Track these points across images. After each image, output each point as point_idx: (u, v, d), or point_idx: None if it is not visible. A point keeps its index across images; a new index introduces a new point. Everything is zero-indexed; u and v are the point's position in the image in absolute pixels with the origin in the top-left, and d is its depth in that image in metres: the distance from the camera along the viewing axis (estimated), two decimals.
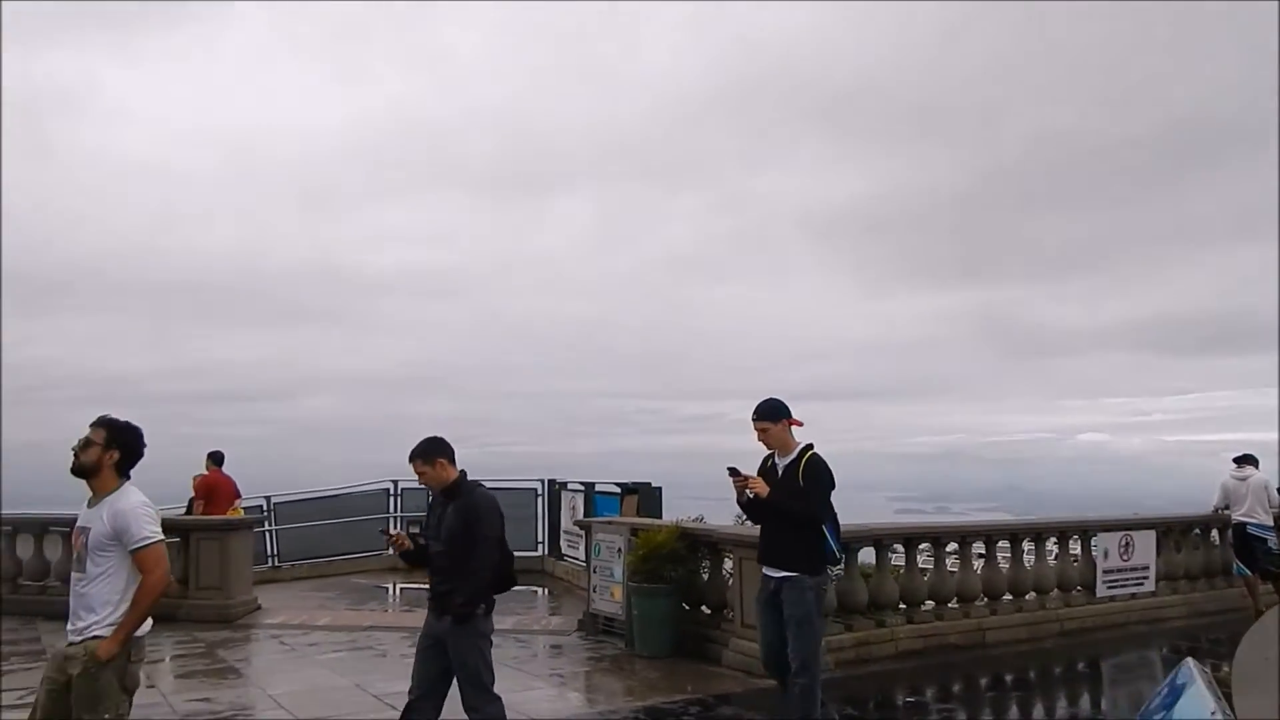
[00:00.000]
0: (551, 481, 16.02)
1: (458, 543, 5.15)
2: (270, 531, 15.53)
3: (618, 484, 13.58)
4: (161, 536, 4.26)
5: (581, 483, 14.84)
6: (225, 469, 13.25)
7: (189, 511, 12.98)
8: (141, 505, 4.27)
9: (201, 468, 13.14)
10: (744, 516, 7.17)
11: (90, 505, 4.32)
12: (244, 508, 13.68)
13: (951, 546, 10.06)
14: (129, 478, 4.37)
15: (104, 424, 4.34)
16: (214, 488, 12.81)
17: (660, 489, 13.14)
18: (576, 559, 13.57)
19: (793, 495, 5.82)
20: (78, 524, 4.36)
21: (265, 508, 15.57)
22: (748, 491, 5.83)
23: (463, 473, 5.34)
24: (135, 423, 4.42)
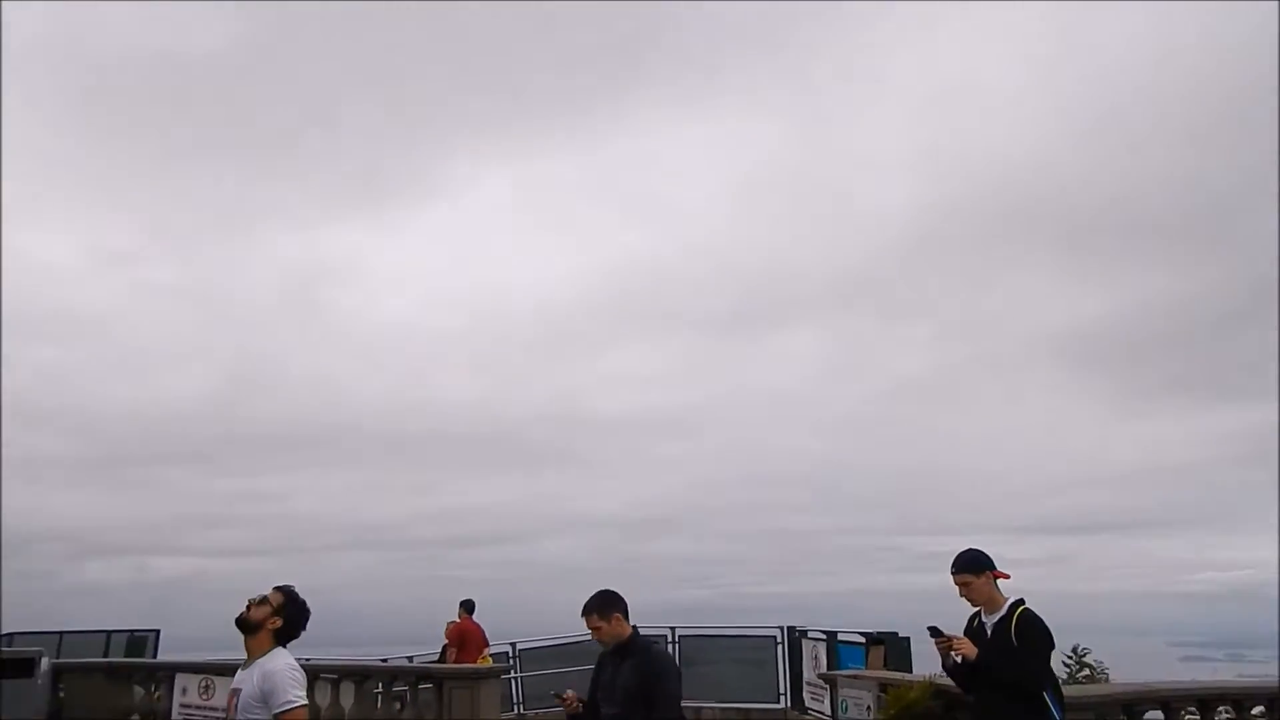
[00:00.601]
0: (791, 629, 15.49)
1: (635, 704, 4.93)
2: (516, 678, 15.86)
3: (862, 633, 12.94)
4: (305, 701, 4.29)
5: (823, 631, 14.26)
6: (475, 616, 13.80)
7: (442, 658, 13.54)
8: (289, 669, 4.31)
9: (454, 614, 13.76)
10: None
11: (244, 667, 4.44)
12: (492, 655, 14.12)
13: (1258, 710, 8.72)
14: (283, 646, 4.44)
15: (284, 591, 4.48)
16: (466, 635, 13.33)
17: (909, 639, 12.38)
18: (821, 713, 12.91)
19: (1006, 658, 5.19)
20: (231, 685, 4.48)
21: (511, 654, 15.98)
22: (954, 655, 5.29)
23: (635, 629, 5.22)
24: (309, 605, 4.53)
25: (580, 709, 5.20)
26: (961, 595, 5.48)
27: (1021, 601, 5.36)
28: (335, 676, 11.31)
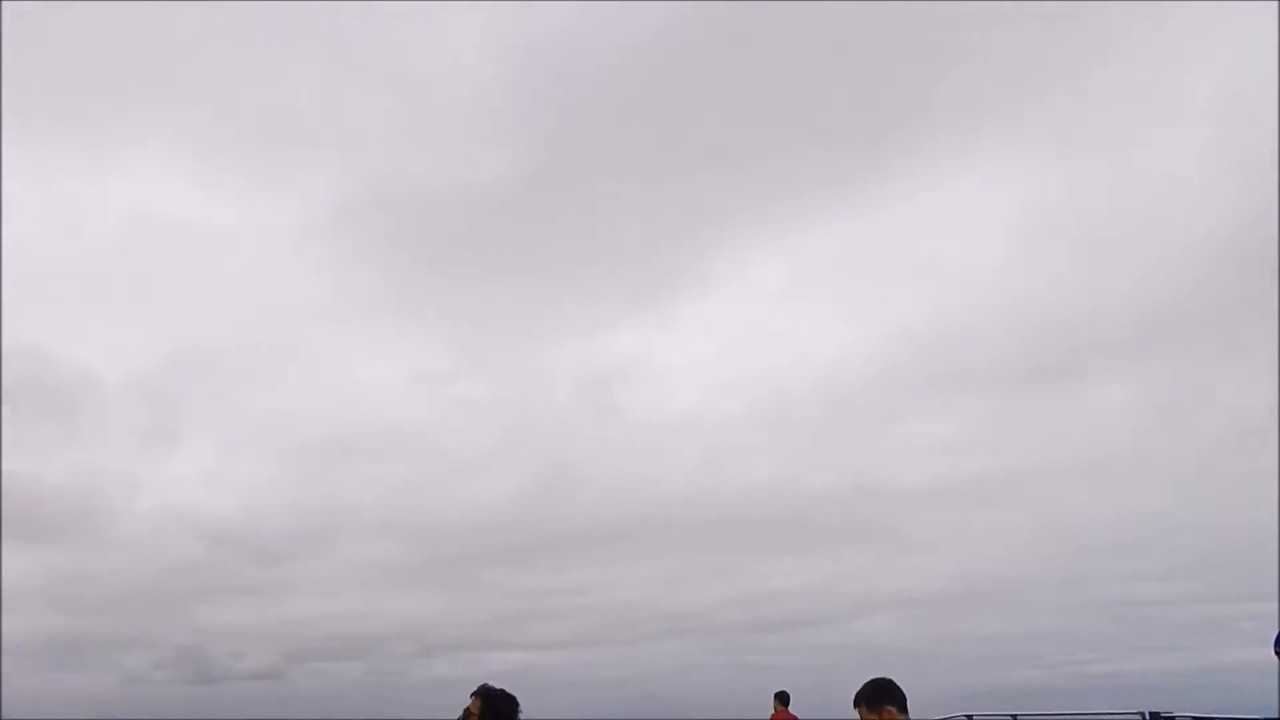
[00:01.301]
0: (1155, 715, 13.61)
1: None
2: None
3: (1245, 719, 11.10)
4: None
5: (1196, 717, 12.43)
6: (791, 705, 13.36)
7: None
8: None
9: (767, 698, 13.44)
10: None
11: None
12: None
13: None
14: None
15: (481, 694, 4.54)
16: None
17: None
18: None
19: None
20: None
21: None
22: None
23: None
24: (511, 691, 4.57)
25: None
26: None
27: None
28: None
